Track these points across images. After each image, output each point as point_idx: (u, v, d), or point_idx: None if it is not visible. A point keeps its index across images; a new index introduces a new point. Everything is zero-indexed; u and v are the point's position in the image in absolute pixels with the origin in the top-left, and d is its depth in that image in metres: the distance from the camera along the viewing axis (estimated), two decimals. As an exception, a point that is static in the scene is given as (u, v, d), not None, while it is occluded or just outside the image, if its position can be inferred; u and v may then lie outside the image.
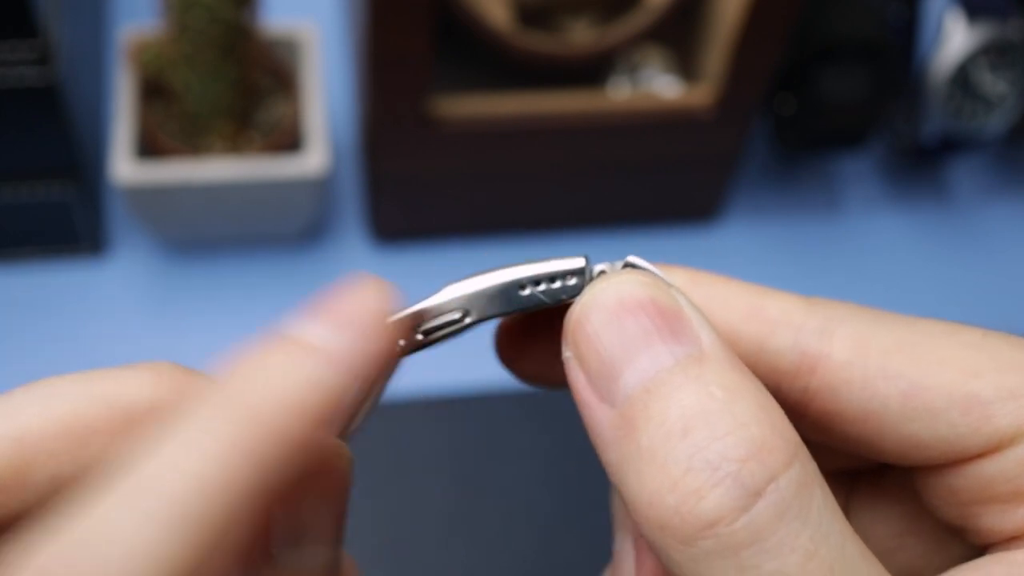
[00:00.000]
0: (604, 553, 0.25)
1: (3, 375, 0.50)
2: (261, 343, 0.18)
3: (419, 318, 0.21)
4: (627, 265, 0.21)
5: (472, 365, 0.51)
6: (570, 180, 0.54)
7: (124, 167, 0.49)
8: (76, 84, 0.49)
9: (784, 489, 0.17)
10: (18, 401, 0.19)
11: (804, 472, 0.17)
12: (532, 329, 0.24)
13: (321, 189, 0.51)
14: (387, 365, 0.20)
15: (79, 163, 0.50)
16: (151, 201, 0.50)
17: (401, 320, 0.21)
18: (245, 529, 0.16)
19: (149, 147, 0.51)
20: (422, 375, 0.52)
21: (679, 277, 0.22)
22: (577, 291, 0.21)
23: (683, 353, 0.18)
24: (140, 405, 0.19)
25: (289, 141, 0.52)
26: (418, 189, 0.53)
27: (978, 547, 0.21)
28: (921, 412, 0.20)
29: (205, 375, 0.20)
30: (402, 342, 0.21)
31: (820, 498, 0.17)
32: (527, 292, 0.21)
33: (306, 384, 0.17)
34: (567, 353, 0.20)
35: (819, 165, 0.63)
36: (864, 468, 0.25)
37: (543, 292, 0.21)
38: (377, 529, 0.47)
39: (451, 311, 0.21)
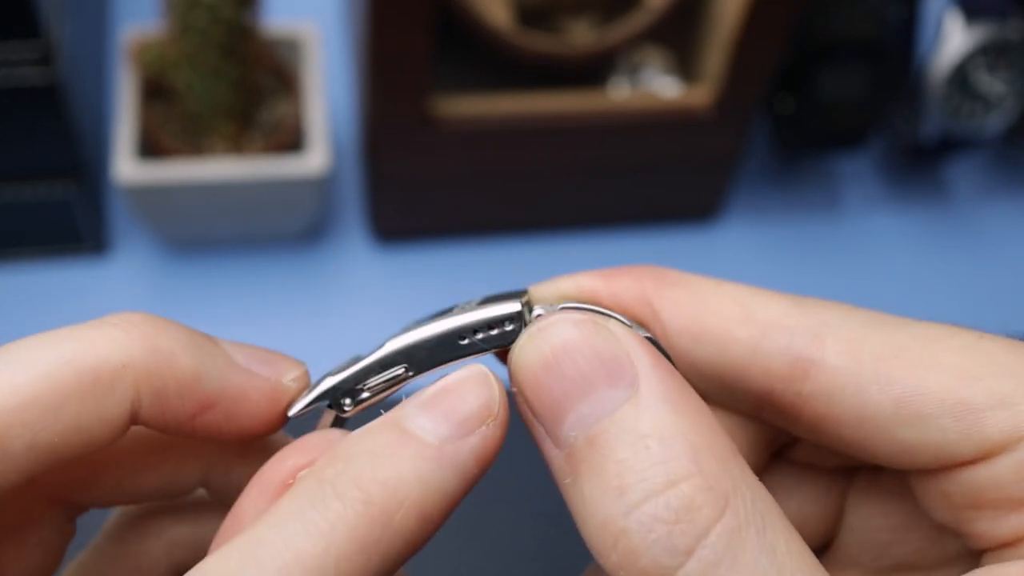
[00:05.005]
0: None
1: (5, 374, 0.50)
2: (378, 430, 0.19)
3: (364, 376, 0.21)
4: (564, 309, 0.21)
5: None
6: (570, 180, 0.55)
7: (126, 167, 0.49)
8: (78, 84, 0.49)
9: (714, 544, 0.18)
10: None
11: (736, 519, 0.18)
12: None
13: (322, 189, 0.51)
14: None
15: (81, 163, 0.50)
16: (153, 201, 0.50)
17: (344, 380, 0.21)
18: None
19: (151, 147, 0.51)
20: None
21: (671, 281, 0.22)
22: (515, 336, 0.21)
23: (621, 398, 0.19)
24: (110, 364, 0.20)
25: (290, 141, 0.52)
26: (418, 189, 0.53)
27: (973, 549, 0.21)
28: (913, 418, 0.20)
29: (179, 330, 0.21)
30: (348, 401, 0.21)
31: (755, 540, 0.18)
32: (466, 341, 0.21)
33: (417, 481, 0.19)
34: (513, 388, 0.20)
35: (819, 165, 0.63)
36: (862, 464, 0.25)
37: (482, 340, 0.21)
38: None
39: (394, 366, 0.21)
